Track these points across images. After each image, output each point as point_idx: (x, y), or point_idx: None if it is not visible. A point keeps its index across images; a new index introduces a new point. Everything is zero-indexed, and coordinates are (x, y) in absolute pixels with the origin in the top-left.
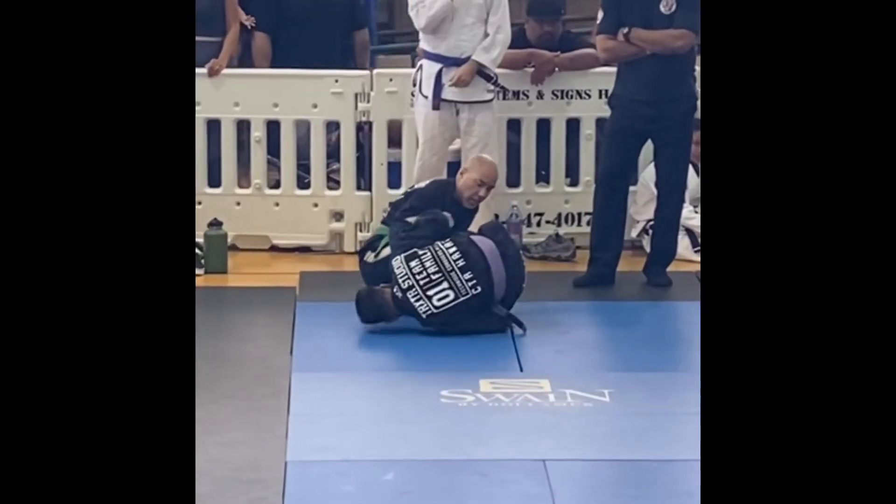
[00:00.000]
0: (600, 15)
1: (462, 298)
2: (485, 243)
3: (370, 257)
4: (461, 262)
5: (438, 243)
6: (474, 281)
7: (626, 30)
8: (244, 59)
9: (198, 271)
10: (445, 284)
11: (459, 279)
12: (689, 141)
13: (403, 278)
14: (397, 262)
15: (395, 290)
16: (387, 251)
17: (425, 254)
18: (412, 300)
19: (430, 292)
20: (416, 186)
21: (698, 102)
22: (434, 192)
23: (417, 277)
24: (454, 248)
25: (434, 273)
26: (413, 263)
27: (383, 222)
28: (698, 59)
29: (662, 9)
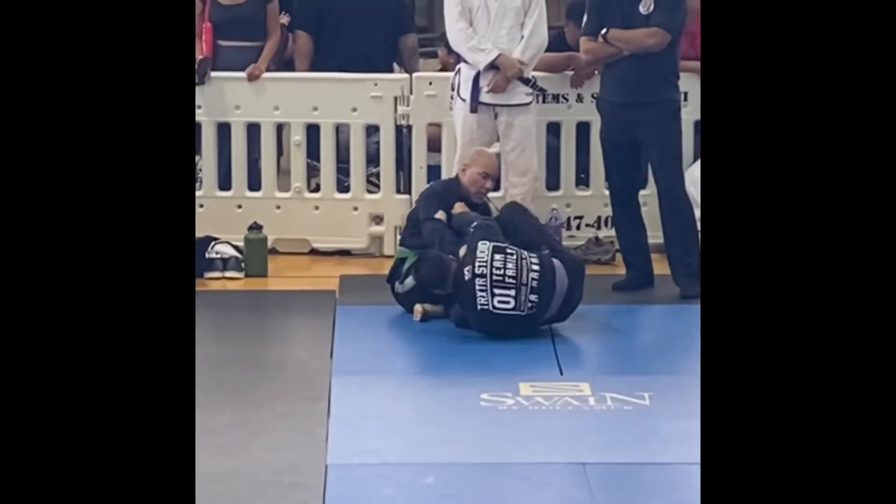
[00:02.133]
0: (585, 18)
1: (518, 313)
2: (560, 269)
3: (399, 288)
4: (535, 283)
5: (526, 253)
6: (536, 304)
7: (604, 30)
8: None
9: (238, 275)
10: (512, 292)
11: (525, 296)
12: (678, 144)
13: (482, 264)
14: (483, 247)
15: (465, 269)
16: (410, 281)
17: (513, 255)
18: (477, 287)
19: (496, 290)
20: (423, 192)
21: (682, 106)
22: (443, 190)
23: (495, 270)
24: (537, 267)
25: (510, 277)
26: (498, 257)
27: (402, 244)
28: (691, 63)
29: (641, 9)
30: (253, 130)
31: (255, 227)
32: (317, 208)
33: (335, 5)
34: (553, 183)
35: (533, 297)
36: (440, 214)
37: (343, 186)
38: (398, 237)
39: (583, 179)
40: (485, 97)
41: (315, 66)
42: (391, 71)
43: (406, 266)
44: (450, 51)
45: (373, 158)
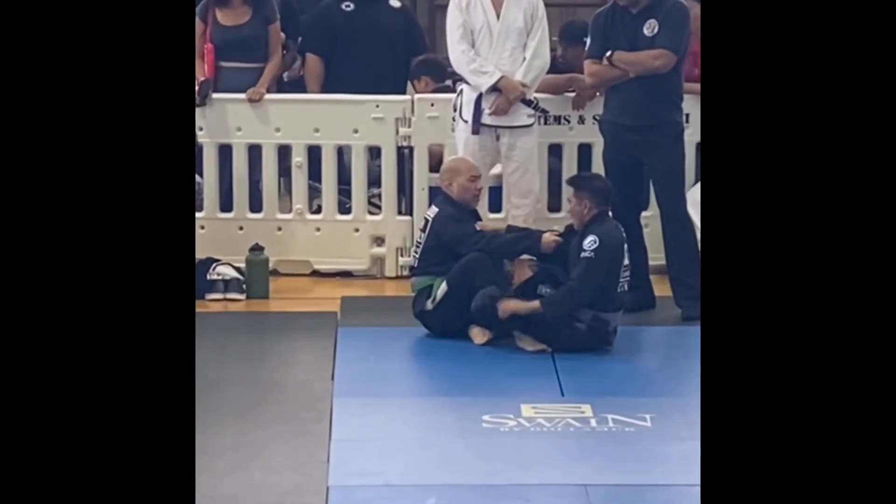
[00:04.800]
0: (588, 41)
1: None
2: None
3: (429, 305)
4: (629, 280)
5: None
6: (623, 280)
7: (609, 53)
8: (298, 81)
9: (239, 296)
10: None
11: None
12: (681, 166)
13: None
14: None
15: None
16: (442, 292)
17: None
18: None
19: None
20: (430, 225)
21: (685, 128)
22: (455, 210)
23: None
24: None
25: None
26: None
27: (422, 273)
28: (693, 85)
29: (646, 31)
30: (254, 152)
31: (257, 249)
32: (318, 230)
33: (346, 28)
34: (555, 204)
35: (626, 275)
36: (479, 225)
37: (345, 208)
38: (399, 258)
39: None
40: (487, 119)
41: (326, 89)
42: (404, 92)
43: (436, 287)
44: (434, 78)
45: (374, 180)
